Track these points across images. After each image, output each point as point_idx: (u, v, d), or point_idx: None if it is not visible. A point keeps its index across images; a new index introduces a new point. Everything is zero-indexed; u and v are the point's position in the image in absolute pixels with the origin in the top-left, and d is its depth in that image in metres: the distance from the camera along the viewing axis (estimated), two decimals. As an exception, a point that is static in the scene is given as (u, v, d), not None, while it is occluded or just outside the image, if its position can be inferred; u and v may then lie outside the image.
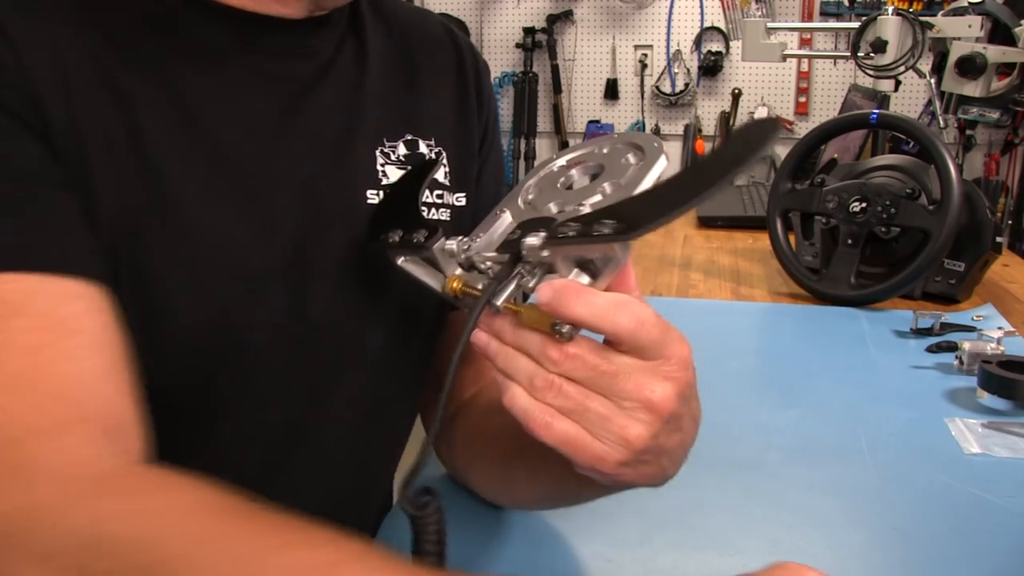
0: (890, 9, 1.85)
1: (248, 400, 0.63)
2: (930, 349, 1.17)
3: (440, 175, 0.71)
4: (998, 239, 1.41)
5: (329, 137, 0.65)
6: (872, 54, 1.84)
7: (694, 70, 3.83)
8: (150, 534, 0.43)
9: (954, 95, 1.90)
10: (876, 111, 1.46)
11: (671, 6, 3.79)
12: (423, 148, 0.70)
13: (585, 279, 0.49)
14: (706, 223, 1.99)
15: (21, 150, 0.53)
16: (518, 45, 3.94)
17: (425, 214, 0.68)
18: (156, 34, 0.59)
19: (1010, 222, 3.03)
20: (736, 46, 3.72)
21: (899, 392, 1.04)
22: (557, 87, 3.96)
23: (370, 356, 0.69)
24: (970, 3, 1.89)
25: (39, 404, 0.48)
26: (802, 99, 3.72)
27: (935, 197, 1.35)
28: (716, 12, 3.77)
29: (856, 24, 1.91)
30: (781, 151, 3.66)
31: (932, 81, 1.85)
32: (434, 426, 0.49)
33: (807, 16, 3.61)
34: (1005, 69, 1.88)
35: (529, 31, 3.90)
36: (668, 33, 3.82)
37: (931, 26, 1.85)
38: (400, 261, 0.59)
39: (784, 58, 2.23)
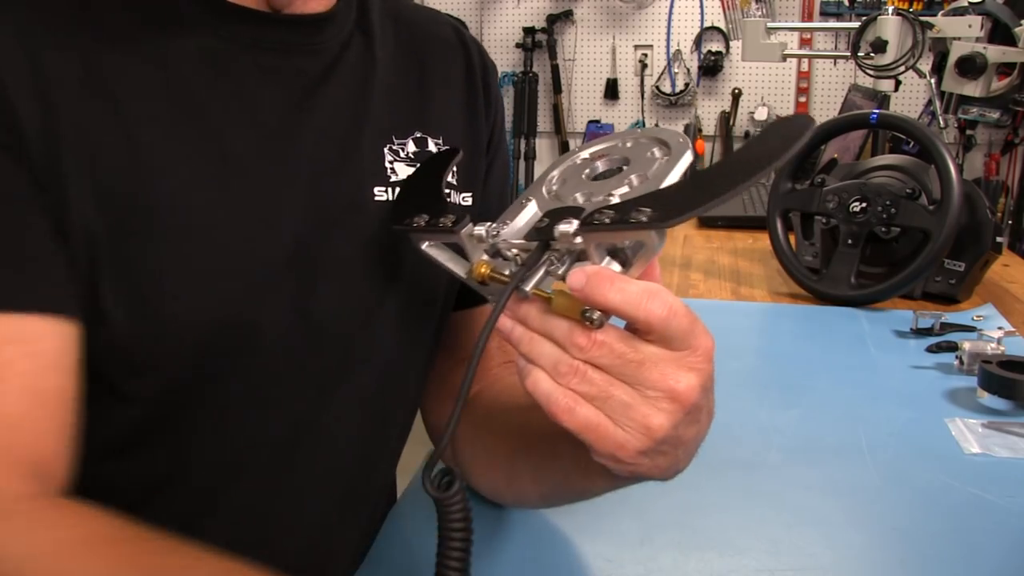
0: (890, 9, 1.85)
1: (255, 398, 0.63)
2: (930, 349, 1.17)
3: (449, 175, 0.71)
4: (998, 239, 1.41)
5: (336, 134, 0.65)
6: (872, 54, 1.84)
7: (694, 70, 3.83)
8: (20, 553, 0.47)
9: (954, 95, 1.90)
10: (876, 111, 1.46)
11: (671, 6, 3.79)
12: (432, 147, 0.71)
13: (616, 267, 0.49)
14: (706, 223, 1.99)
15: None
16: (518, 45, 3.94)
17: None
18: (159, 34, 0.59)
19: (1010, 222, 3.03)
20: (736, 46, 3.72)
21: (899, 392, 1.04)
22: (557, 87, 3.96)
23: (377, 354, 0.69)
24: (970, 3, 1.89)
25: None
26: (802, 99, 3.72)
27: (935, 197, 1.35)
28: (716, 12, 3.77)
29: (856, 24, 1.91)
30: (781, 151, 3.66)
31: (932, 81, 1.85)
32: (452, 419, 0.49)
33: (807, 16, 3.61)
34: (1005, 69, 1.88)
35: (529, 31, 3.90)
36: (668, 33, 3.82)
37: (931, 26, 1.85)
38: (424, 246, 0.59)
39: (784, 58, 2.23)
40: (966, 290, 1.42)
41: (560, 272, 0.50)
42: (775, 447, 0.90)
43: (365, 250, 0.66)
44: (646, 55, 3.87)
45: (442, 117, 0.72)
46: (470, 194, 0.74)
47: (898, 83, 1.91)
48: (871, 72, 1.86)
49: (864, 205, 1.39)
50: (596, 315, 0.47)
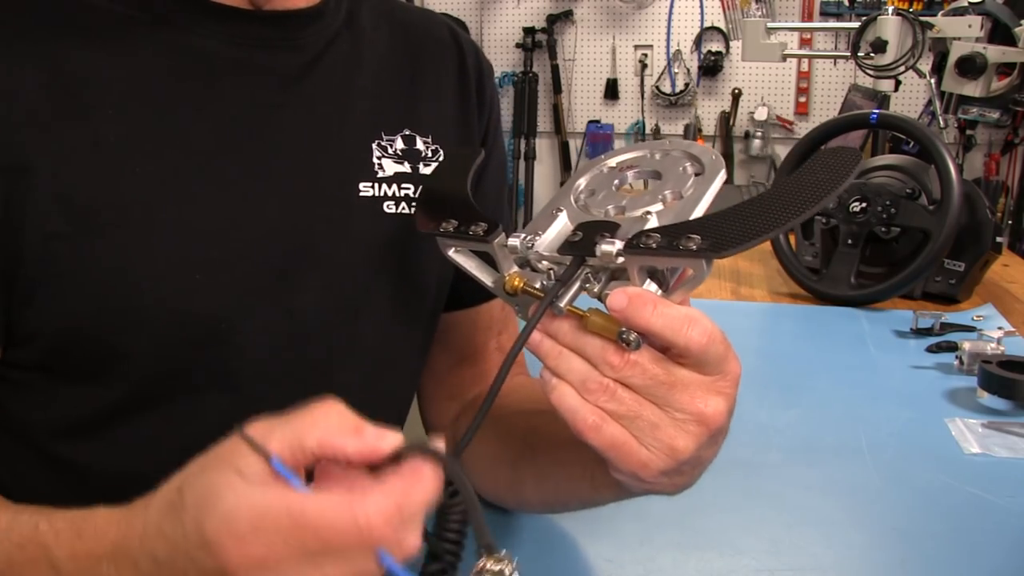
0: (890, 9, 1.85)
1: (232, 391, 0.63)
2: (930, 349, 1.17)
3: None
4: (998, 239, 1.41)
5: (317, 129, 0.65)
6: (872, 54, 1.84)
7: (694, 70, 3.83)
8: None
9: (954, 95, 1.90)
10: (876, 111, 1.46)
11: (671, 6, 3.79)
12: (420, 144, 0.70)
13: (653, 288, 0.49)
14: (706, 223, 1.99)
15: None
16: (518, 45, 3.94)
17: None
18: (132, 33, 0.59)
19: (1010, 222, 3.04)
20: (736, 46, 3.72)
21: (899, 392, 1.04)
22: (557, 87, 3.96)
23: (362, 350, 0.68)
24: (970, 3, 1.89)
25: None
26: (802, 99, 3.72)
27: (935, 197, 1.35)
28: (716, 12, 3.77)
29: (856, 24, 1.91)
30: (781, 151, 3.66)
31: (932, 81, 1.85)
32: (471, 427, 0.49)
33: (807, 16, 3.61)
34: (1005, 69, 1.88)
35: (529, 31, 3.90)
36: (668, 33, 3.82)
37: (931, 26, 1.85)
38: (451, 252, 0.59)
39: (784, 58, 2.23)
40: (966, 290, 1.42)
41: (595, 290, 0.50)
42: (775, 447, 0.90)
43: (349, 245, 0.65)
44: (646, 55, 3.87)
45: (433, 116, 0.72)
46: None
47: (898, 83, 1.91)
48: (871, 72, 1.86)
49: (864, 205, 1.39)
50: (633, 336, 0.47)
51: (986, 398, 0.99)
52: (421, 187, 0.68)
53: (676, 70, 3.85)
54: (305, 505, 0.39)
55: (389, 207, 0.67)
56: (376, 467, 0.42)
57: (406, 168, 0.69)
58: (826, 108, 3.64)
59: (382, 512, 0.39)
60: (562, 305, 0.49)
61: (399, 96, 0.71)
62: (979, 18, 1.84)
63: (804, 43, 3.53)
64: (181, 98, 0.60)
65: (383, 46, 0.71)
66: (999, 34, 1.89)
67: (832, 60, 3.55)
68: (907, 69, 1.83)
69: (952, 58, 1.82)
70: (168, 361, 0.60)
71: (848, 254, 1.40)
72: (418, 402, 0.82)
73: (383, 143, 0.68)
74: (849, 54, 1.90)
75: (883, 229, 1.37)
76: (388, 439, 0.41)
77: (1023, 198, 3.07)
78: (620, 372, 0.48)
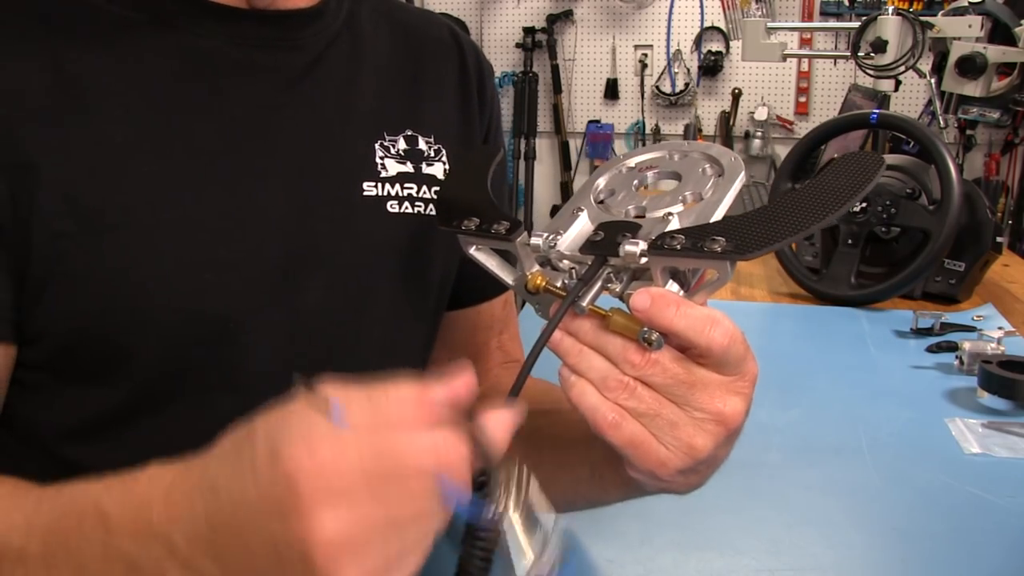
0: (890, 9, 1.85)
1: (238, 389, 0.63)
2: (930, 349, 1.17)
3: (440, 173, 0.71)
4: (998, 239, 1.41)
5: (319, 129, 0.65)
6: (872, 54, 1.84)
7: (694, 70, 3.83)
8: None
9: (954, 95, 1.90)
10: (876, 111, 1.46)
11: (671, 6, 3.79)
12: (422, 144, 0.71)
13: (675, 288, 0.49)
14: (706, 223, 1.99)
15: None
16: (518, 45, 3.94)
17: (422, 210, 0.69)
18: (134, 34, 0.60)
19: (1010, 222, 3.03)
20: (736, 46, 3.72)
21: (899, 392, 1.04)
22: (557, 87, 3.96)
23: (366, 348, 0.69)
24: (970, 3, 1.89)
25: None
26: (802, 99, 3.72)
27: (935, 197, 1.35)
28: (716, 12, 3.77)
29: (856, 24, 1.91)
30: (781, 151, 3.66)
31: (932, 81, 1.85)
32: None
33: (807, 16, 3.61)
34: (1005, 69, 1.88)
35: (529, 31, 3.90)
36: (668, 33, 3.82)
37: (931, 26, 1.85)
38: (472, 250, 0.59)
39: (784, 58, 2.23)
40: (966, 290, 1.42)
41: (617, 290, 0.51)
42: (775, 447, 0.90)
43: (353, 245, 0.66)
44: (646, 55, 3.87)
45: (435, 116, 0.72)
46: None
47: (898, 83, 1.91)
48: (871, 72, 1.86)
49: (864, 205, 1.39)
50: (655, 336, 0.47)
51: (986, 398, 0.99)
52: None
53: (676, 70, 3.85)
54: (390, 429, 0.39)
55: (392, 207, 0.67)
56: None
57: (409, 168, 0.69)
58: (826, 108, 3.64)
59: (452, 438, 0.40)
60: (584, 304, 0.50)
61: (401, 96, 0.71)
62: (979, 18, 1.84)
63: (804, 43, 3.53)
64: (184, 99, 0.60)
65: (384, 46, 0.72)
66: (999, 34, 1.89)
67: (832, 60, 3.55)
68: (907, 69, 1.83)
69: (952, 58, 1.82)
70: (175, 361, 0.60)
71: (848, 254, 1.40)
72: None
73: (386, 143, 0.69)
74: (849, 54, 1.90)
75: (883, 229, 1.37)
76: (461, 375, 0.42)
77: (1023, 198, 3.07)
78: (641, 371, 0.48)
